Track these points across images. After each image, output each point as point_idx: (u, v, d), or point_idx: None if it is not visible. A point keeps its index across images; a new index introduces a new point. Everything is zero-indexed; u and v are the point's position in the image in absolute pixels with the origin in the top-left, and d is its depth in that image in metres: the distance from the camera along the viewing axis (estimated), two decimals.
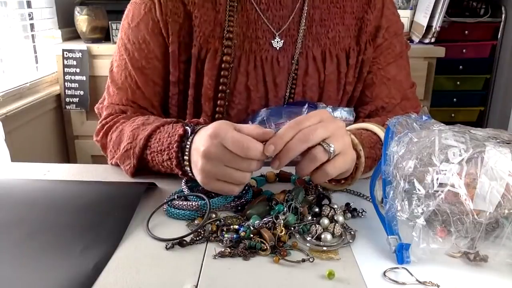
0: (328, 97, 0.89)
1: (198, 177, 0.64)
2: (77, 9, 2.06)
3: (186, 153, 0.67)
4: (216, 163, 0.61)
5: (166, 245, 0.56)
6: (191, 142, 0.67)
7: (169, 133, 0.71)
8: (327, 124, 0.60)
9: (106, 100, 0.91)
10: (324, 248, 0.55)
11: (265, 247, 0.54)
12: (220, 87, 0.85)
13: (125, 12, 0.89)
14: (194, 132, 0.67)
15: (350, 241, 0.57)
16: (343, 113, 0.85)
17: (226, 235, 0.56)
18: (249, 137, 0.60)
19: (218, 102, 0.86)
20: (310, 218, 0.60)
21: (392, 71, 0.91)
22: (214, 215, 0.62)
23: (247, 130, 0.61)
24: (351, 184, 0.68)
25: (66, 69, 1.99)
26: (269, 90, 0.86)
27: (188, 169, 0.68)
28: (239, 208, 0.65)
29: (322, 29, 0.87)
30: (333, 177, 0.62)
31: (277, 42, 0.85)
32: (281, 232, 0.56)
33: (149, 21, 0.85)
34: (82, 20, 2.04)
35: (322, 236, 0.57)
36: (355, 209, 0.64)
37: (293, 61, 0.86)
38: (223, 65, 0.84)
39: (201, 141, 0.63)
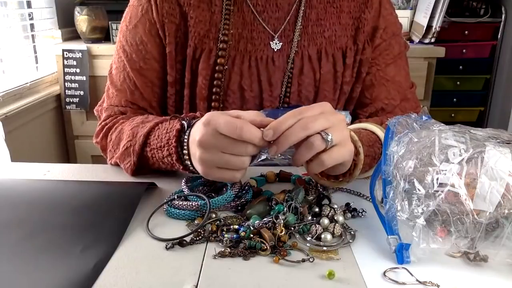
0: (324, 96, 0.88)
1: (198, 167, 0.64)
2: (77, 9, 2.06)
3: (185, 146, 0.67)
4: (213, 151, 0.61)
5: (166, 245, 0.56)
6: (189, 135, 0.67)
7: (167, 129, 0.71)
8: (328, 115, 0.60)
9: (105, 102, 0.91)
10: (324, 248, 0.55)
11: (265, 247, 0.54)
12: (214, 87, 0.85)
13: (124, 15, 0.90)
14: (190, 126, 0.68)
15: (350, 241, 0.57)
16: None
17: (226, 235, 0.56)
18: (243, 120, 0.60)
19: (213, 101, 0.86)
20: (310, 218, 0.60)
21: (391, 72, 0.91)
22: (214, 215, 0.62)
23: (244, 115, 0.61)
24: (350, 182, 0.68)
25: (66, 69, 1.99)
26: (263, 89, 0.86)
27: (189, 163, 0.68)
28: (239, 208, 0.65)
29: (318, 28, 0.87)
30: (328, 167, 0.61)
31: (276, 44, 0.86)
32: (281, 232, 0.56)
33: (146, 22, 0.86)
34: (82, 20, 2.04)
35: (322, 236, 0.57)
36: (355, 209, 0.64)
37: (288, 61, 0.86)
38: (217, 66, 0.84)
39: (196, 132, 0.63)
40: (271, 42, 0.86)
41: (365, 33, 0.88)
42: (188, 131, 0.68)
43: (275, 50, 0.86)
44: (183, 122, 0.69)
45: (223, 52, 0.84)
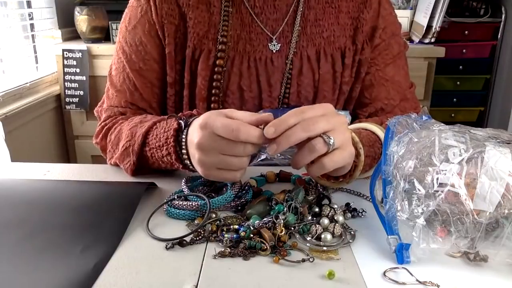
0: (323, 96, 0.88)
1: (198, 169, 0.64)
2: (77, 9, 2.06)
3: (183, 146, 0.67)
4: (212, 153, 0.61)
5: (166, 245, 0.56)
6: (186, 135, 0.67)
7: (164, 128, 0.71)
8: (330, 117, 0.60)
9: (105, 103, 0.92)
10: (324, 248, 0.55)
11: (265, 247, 0.54)
12: (214, 88, 0.85)
13: (123, 16, 0.90)
14: (187, 125, 0.68)
15: (350, 241, 0.57)
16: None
17: (226, 235, 0.56)
18: (239, 121, 0.60)
19: (212, 102, 0.86)
20: (310, 218, 0.60)
21: (390, 72, 0.91)
22: (214, 215, 0.62)
23: (240, 115, 0.61)
24: (349, 183, 0.68)
25: (66, 69, 1.99)
26: (262, 90, 0.86)
27: (188, 162, 0.68)
28: (239, 208, 0.65)
29: (317, 29, 0.87)
30: (329, 170, 0.61)
31: (274, 45, 0.86)
32: (281, 232, 0.56)
33: (145, 23, 0.86)
34: (82, 20, 2.04)
35: (322, 236, 0.57)
36: (355, 209, 0.64)
37: (287, 61, 0.86)
38: (216, 67, 0.84)
39: (194, 134, 0.63)
40: (269, 44, 0.86)
41: (364, 33, 0.88)
42: (185, 130, 0.68)
43: (274, 51, 0.86)
44: (180, 121, 0.69)
45: (222, 53, 0.84)
